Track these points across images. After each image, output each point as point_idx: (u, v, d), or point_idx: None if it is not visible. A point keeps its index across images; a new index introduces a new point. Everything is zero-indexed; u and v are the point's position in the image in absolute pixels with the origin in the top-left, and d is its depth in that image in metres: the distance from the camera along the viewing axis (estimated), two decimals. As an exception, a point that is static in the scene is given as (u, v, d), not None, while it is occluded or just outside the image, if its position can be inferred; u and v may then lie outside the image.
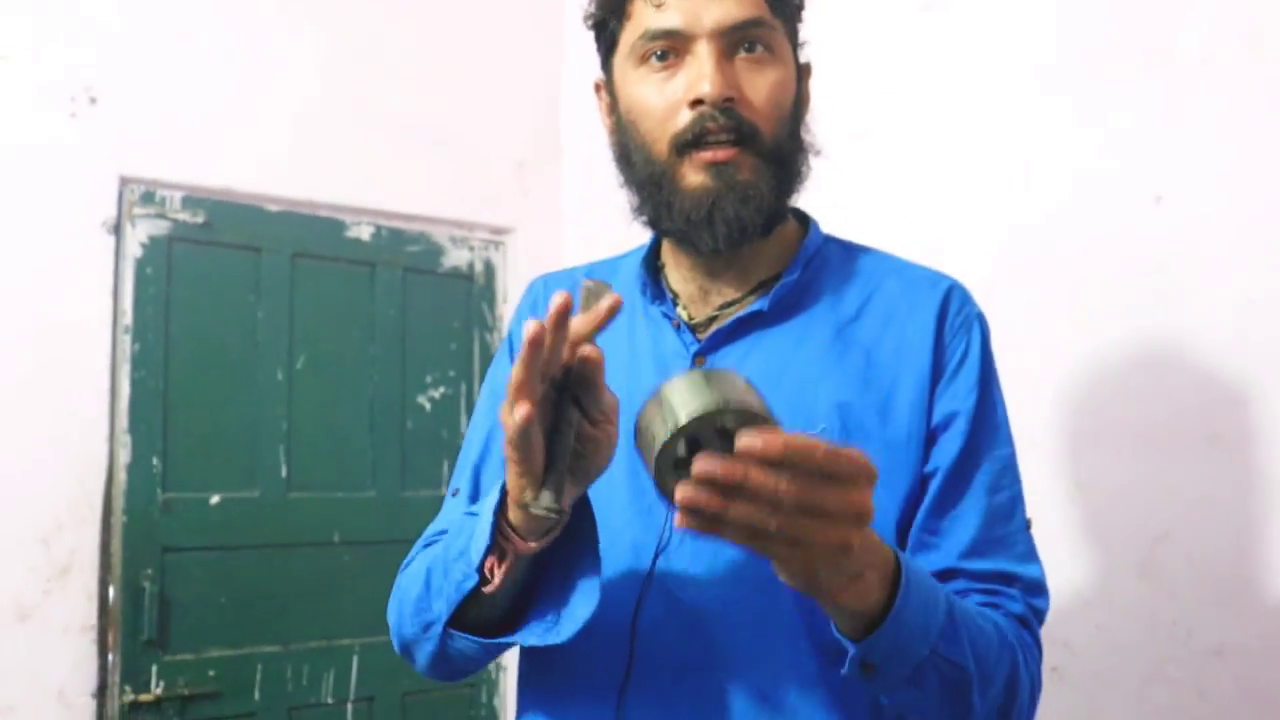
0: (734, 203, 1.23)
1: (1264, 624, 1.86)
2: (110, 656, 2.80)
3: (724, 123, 1.21)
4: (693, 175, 1.23)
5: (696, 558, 1.23)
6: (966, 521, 1.23)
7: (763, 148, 1.23)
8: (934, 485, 1.24)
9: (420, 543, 1.42)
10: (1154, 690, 1.99)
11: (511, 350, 1.46)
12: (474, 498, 1.41)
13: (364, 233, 3.32)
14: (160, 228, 2.97)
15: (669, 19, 1.23)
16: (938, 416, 1.25)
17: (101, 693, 2.77)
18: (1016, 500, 1.28)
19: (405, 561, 1.40)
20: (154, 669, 2.84)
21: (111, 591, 2.82)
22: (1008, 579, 1.23)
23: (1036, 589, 1.25)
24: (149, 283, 2.94)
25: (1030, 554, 1.27)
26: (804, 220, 1.40)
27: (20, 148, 2.76)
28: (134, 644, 2.83)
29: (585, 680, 1.26)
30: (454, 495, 1.44)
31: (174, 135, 2.98)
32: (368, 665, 3.18)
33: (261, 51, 3.13)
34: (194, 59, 3.02)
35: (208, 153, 3.03)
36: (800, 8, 1.33)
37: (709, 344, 1.30)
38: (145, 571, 2.86)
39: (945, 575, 1.25)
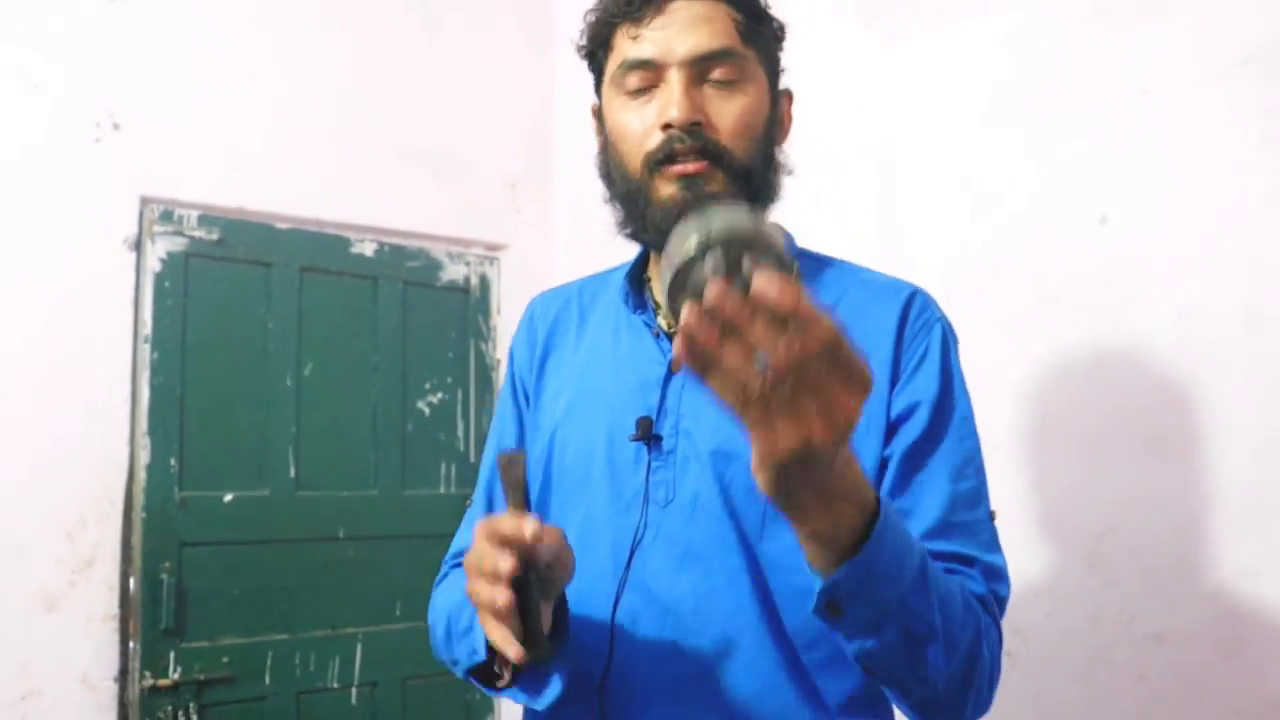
0: None
1: (1199, 613, 1.88)
2: (131, 644, 2.80)
3: (691, 144, 1.22)
4: (665, 188, 1.24)
5: (669, 553, 1.24)
6: (929, 503, 1.20)
7: (732, 166, 1.24)
8: (893, 466, 1.22)
9: (448, 559, 1.47)
10: (1098, 674, 2.01)
11: (513, 366, 1.48)
12: (488, 507, 1.46)
13: (367, 249, 3.33)
14: (178, 244, 2.97)
15: (644, 50, 1.26)
16: (899, 408, 1.23)
17: (123, 677, 2.77)
18: (980, 491, 1.25)
19: (439, 577, 1.45)
20: (172, 655, 2.85)
21: (132, 583, 2.82)
22: (968, 561, 1.19)
23: (998, 575, 1.21)
24: (167, 295, 2.95)
25: (993, 543, 1.23)
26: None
27: (50, 170, 2.77)
28: (153, 632, 2.83)
29: (577, 671, 1.27)
30: (470, 505, 1.49)
31: (191, 158, 2.99)
32: (371, 652, 3.19)
33: (272, 81, 3.14)
34: (210, 89, 3.03)
35: (222, 175, 3.04)
36: (778, 38, 1.34)
37: None
38: (164, 564, 2.86)
39: None
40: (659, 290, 1.37)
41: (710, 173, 1.23)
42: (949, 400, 1.25)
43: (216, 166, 3.04)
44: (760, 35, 1.29)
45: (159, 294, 2.94)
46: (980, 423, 1.29)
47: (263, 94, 3.12)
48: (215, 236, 3.04)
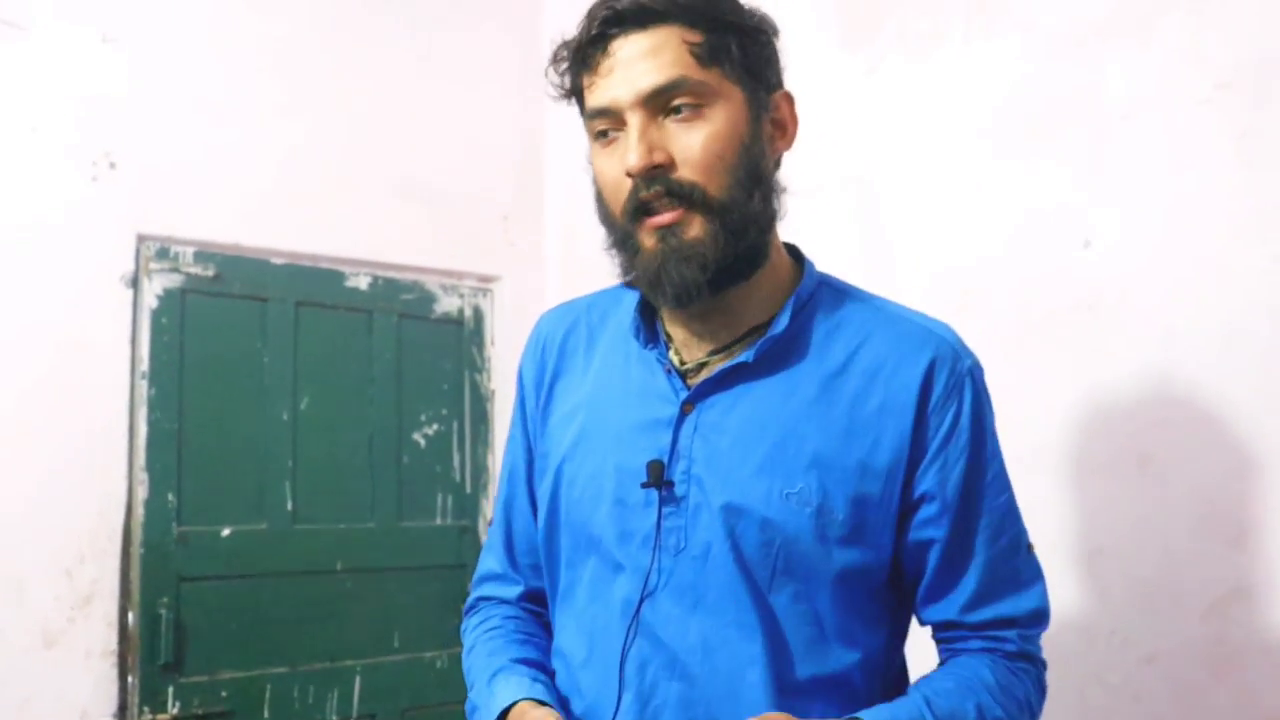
0: (677, 264, 1.18)
1: (1191, 632, 1.87)
2: (130, 679, 2.78)
3: (657, 190, 1.18)
4: (646, 239, 1.21)
5: (680, 601, 1.23)
6: (969, 578, 1.25)
7: (710, 203, 1.19)
8: (935, 556, 1.25)
9: (475, 582, 1.49)
10: (1093, 695, 2.00)
11: (522, 390, 1.46)
12: (506, 531, 1.46)
13: (362, 282, 3.33)
14: (174, 281, 2.97)
15: (601, 98, 1.21)
16: (928, 485, 1.24)
17: (122, 713, 2.75)
18: (1018, 536, 1.29)
19: (468, 605, 1.48)
20: (171, 690, 2.82)
21: (131, 618, 2.80)
22: (1005, 623, 1.26)
23: (1031, 621, 1.28)
24: (164, 331, 2.94)
25: (1032, 579, 1.29)
26: (800, 258, 1.35)
27: (48, 209, 2.77)
28: (152, 667, 2.80)
29: (587, 711, 1.28)
30: (491, 524, 1.51)
31: (186, 196, 2.99)
32: (369, 684, 3.16)
33: (266, 119, 3.15)
34: (204, 127, 3.03)
35: (217, 211, 3.04)
36: (757, 41, 1.25)
37: (697, 393, 1.26)
38: (162, 600, 2.84)
39: (947, 626, 1.28)
40: (670, 321, 1.33)
41: (686, 218, 1.19)
42: (978, 467, 1.26)
43: (212, 204, 3.03)
44: (725, 49, 1.21)
45: (156, 330, 2.93)
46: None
47: (257, 132, 3.13)
48: (211, 273, 3.03)
